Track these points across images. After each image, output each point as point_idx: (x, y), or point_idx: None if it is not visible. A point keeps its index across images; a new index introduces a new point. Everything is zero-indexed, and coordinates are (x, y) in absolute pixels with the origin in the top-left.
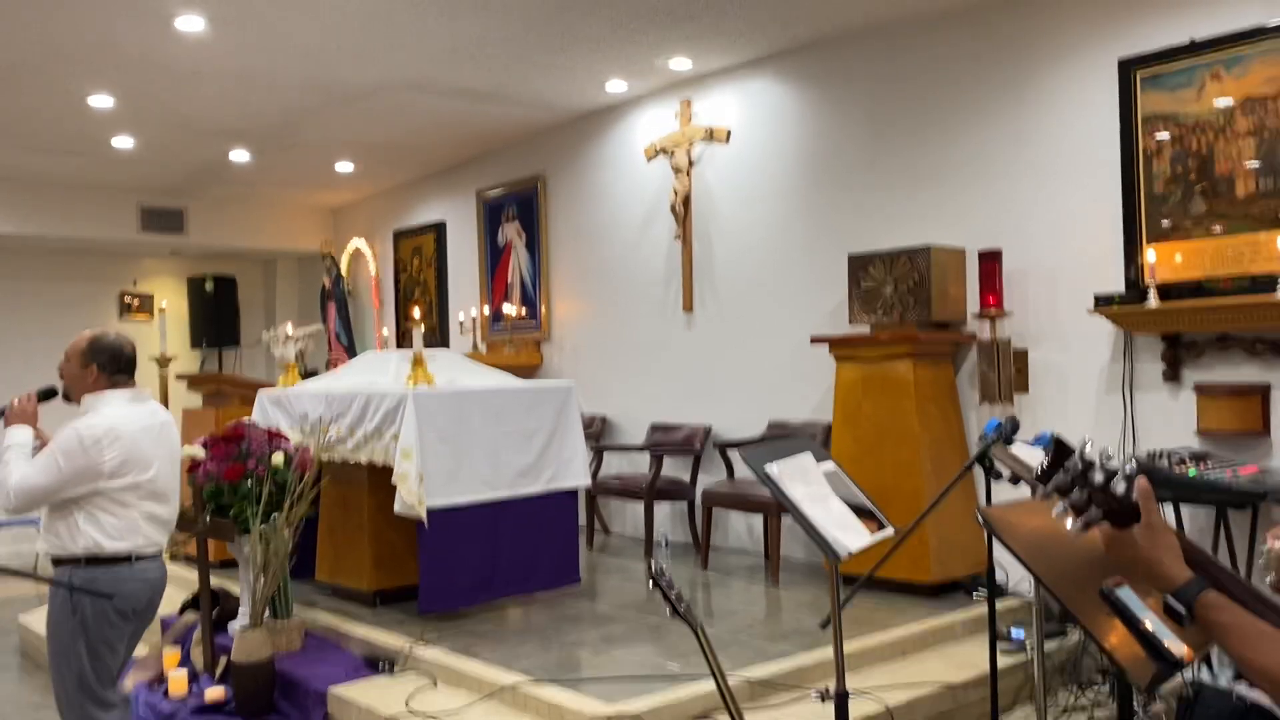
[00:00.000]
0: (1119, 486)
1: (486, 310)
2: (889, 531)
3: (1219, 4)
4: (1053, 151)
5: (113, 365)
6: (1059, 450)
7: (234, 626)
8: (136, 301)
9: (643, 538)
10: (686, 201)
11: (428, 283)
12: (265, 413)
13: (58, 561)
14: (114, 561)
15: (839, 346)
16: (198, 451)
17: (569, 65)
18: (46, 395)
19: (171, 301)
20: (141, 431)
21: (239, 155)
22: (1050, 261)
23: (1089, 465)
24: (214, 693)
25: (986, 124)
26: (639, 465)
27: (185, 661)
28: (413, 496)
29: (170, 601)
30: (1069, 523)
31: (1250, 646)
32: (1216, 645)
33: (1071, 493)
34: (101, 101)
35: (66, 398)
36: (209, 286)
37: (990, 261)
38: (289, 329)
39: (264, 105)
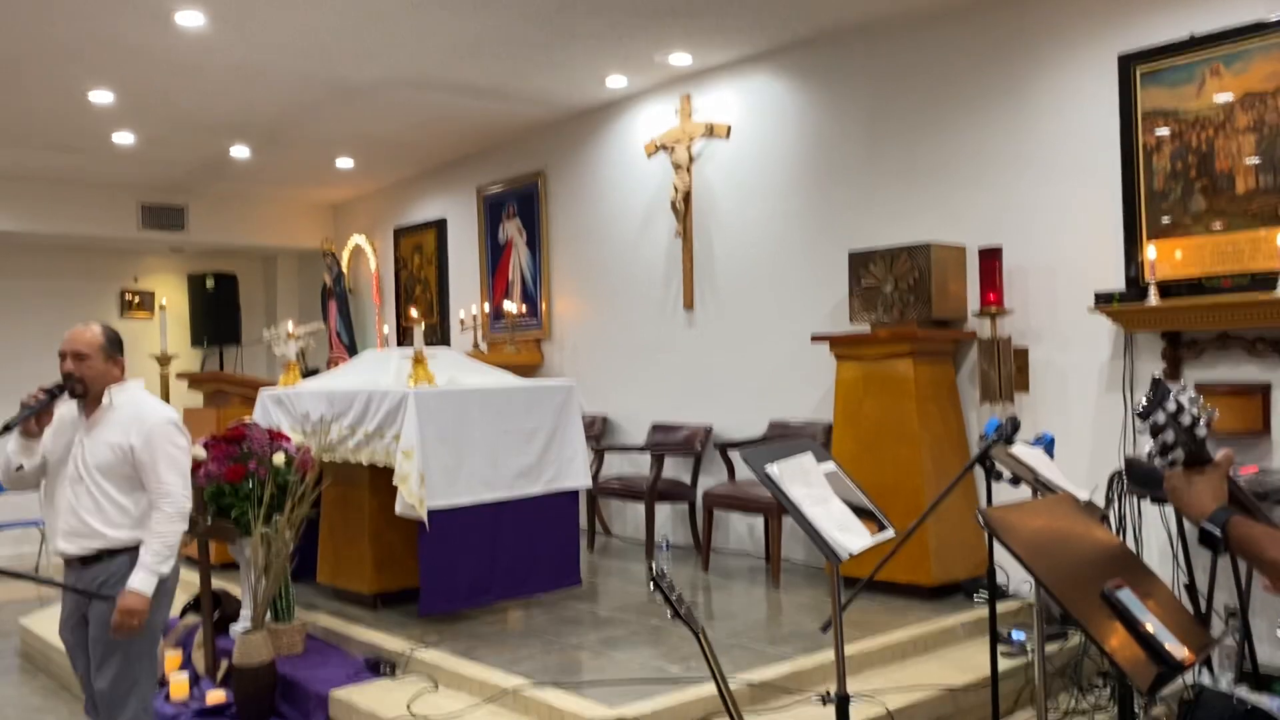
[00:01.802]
0: (1200, 430)
1: (487, 308)
2: (889, 533)
3: None
4: (1053, 148)
5: (122, 356)
6: (1157, 390)
7: (235, 629)
8: (137, 299)
9: (643, 539)
10: (687, 198)
11: (428, 280)
12: (267, 412)
13: (120, 550)
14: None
15: (839, 345)
16: (199, 451)
17: (569, 61)
18: (57, 393)
19: (172, 299)
20: None
21: (239, 151)
22: (1050, 258)
23: (1180, 408)
24: (215, 696)
25: (987, 120)
26: (640, 466)
27: (186, 664)
28: (414, 497)
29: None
30: (1157, 461)
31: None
32: (1246, 558)
33: (1164, 431)
34: (102, 97)
35: (74, 394)
36: (209, 284)
37: (990, 259)
38: (290, 327)
39: (264, 101)
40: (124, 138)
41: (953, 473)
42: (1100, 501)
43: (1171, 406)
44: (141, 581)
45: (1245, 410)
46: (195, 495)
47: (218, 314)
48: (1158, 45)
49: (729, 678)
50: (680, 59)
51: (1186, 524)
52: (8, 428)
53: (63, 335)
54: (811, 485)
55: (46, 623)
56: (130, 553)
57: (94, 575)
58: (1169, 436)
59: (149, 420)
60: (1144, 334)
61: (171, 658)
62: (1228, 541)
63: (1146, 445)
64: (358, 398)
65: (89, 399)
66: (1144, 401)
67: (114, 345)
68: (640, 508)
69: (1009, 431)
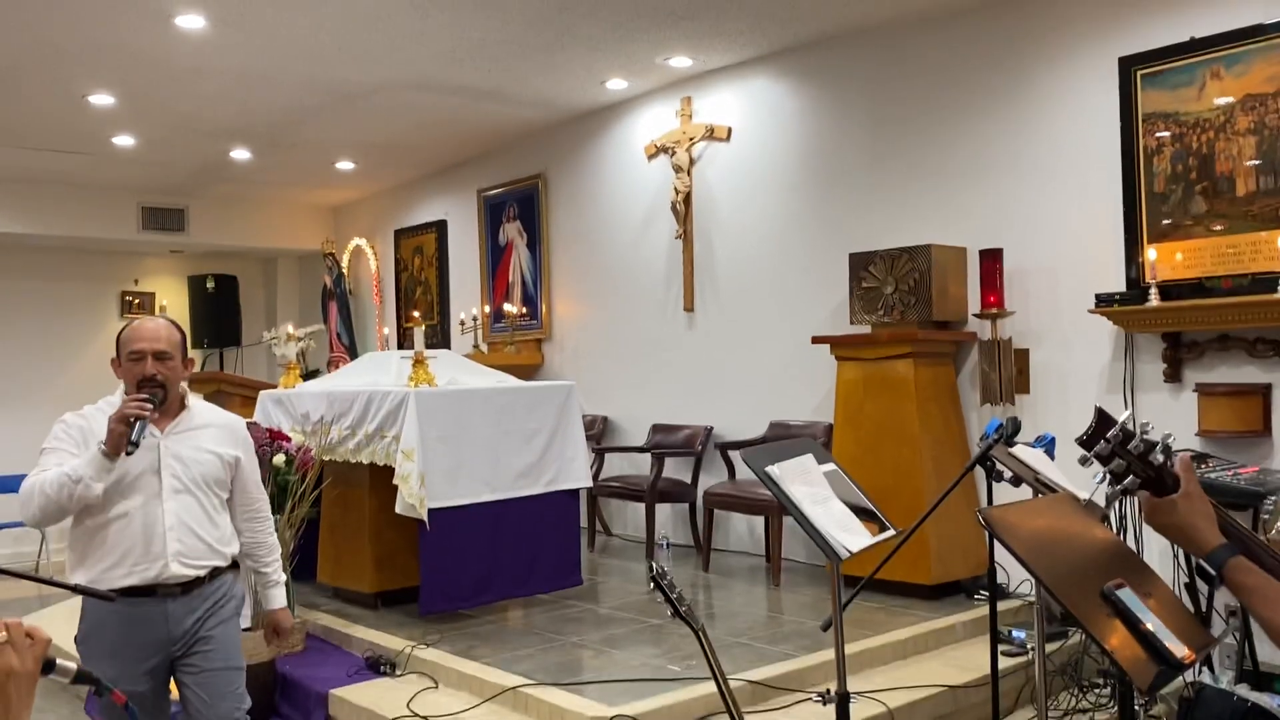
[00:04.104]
0: (1157, 457)
1: (488, 309)
2: (890, 533)
3: (1219, 2)
4: (1053, 150)
5: None
6: (1101, 420)
7: None
8: (137, 301)
9: (644, 539)
10: (687, 200)
11: (429, 282)
12: (267, 413)
13: (225, 568)
14: None
15: (840, 346)
16: None
17: (569, 64)
18: (156, 399)
19: (172, 301)
20: None
21: (240, 154)
22: (1051, 260)
23: (1129, 435)
24: None
25: (987, 122)
26: (640, 466)
27: None
28: (414, 497)
29: None
30: (1106, 490)
31: (1272, 607)
32: (1242, 605)
33: (1111, 461)
34: (102, 100)
35: (155, 401)
36: (210, 285)
37: (991, 260)
38: (290, 328)
39: (265, 104)
40: (124, 140)
41: (953, 474)
42: (1101, 501)
43: (1118, 435)
44: (284, 596)
45: (1245, 411)
46: None
47: (218, 315)
48: (1158, 48)
49: (729, 676)
50: (680, 61)
51: None
52: (135, 445)
53: (63, 338)
54: (812, 485)
55: (47, 623)
56: (231, 570)
57: (198, 599)
58: (1118, 466)
59: (240, 426)
60: (1144, 335)
61: None
62: (1223, 580)
63: (1095, 475)
64: (358, 398)
65: (166, 404)
66: (1086, 432)
67: (186, 344)
68: (641, 508)
69: (1010, 432)
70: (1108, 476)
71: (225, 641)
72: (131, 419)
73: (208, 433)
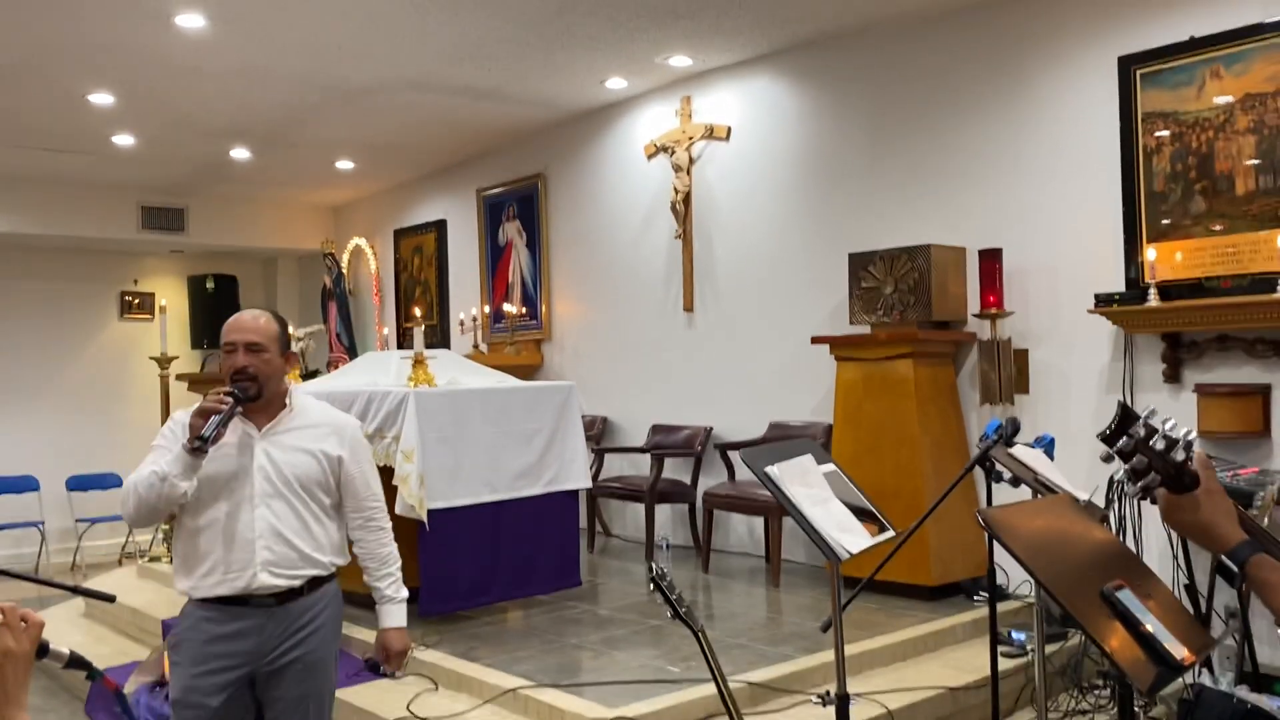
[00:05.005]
0: (1178, 454)
1: (487, 310)
2: (889, 533)
3: (1219, 1)
4: (1053, 150)
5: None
6: (1125, 416)
7: None
8: (137, 301)
9: (643, 540)
10: (687, 200)
11: (429, 282)
12: None
13: (325, 578)
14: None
15: (839, 346)
16: None
17: (569, 63)
18: (241, 395)
19: (172, 301)
20: None
21: (240, 153)
22: (1050, 260)
23: (1151, 432)
24: None
25: (987, 122)
26: (640, 467)
27: None
28: (413, 498)
29: (172, 605)
30: (1127, 488)
31: None
32: (1263, 603)
33: (1133, 458)
34: (102, 99)
35: (246, 396)
36: (210, 285)
37: (990, 260)
38: (290, 328)
39: (265, 103)
40: (124, 139)
41: (953, 474)
42: (1100, 502)
43: (1140, 431)
44: (400, 616)
45: (1245, 412)
46: None
47: (218, 316)
48: (1158, 47)
49: (729, 678)
50: (680, 61)
51: None
52: (204, 440)
53: (62, 337)
54: (811, 486)
55: (48, 623)
56: (332, 581)
57: (295, 613)
58: (1139, 463)
59: (349, 426)
60: (1144, 335)
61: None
62: (1245, 578)
63: (1117, 472)
64: (358, 398)
65: (261, 401)
66: (1108, 429)
67: (287, 337)
68: (640, 508)
69: (1009, 432)
70: (1130, 474)
71: (320, 666)
72: (210, 413)
73: (309, 432)
